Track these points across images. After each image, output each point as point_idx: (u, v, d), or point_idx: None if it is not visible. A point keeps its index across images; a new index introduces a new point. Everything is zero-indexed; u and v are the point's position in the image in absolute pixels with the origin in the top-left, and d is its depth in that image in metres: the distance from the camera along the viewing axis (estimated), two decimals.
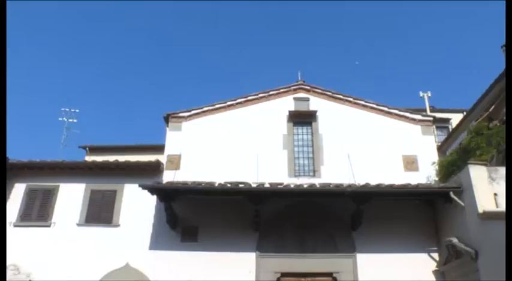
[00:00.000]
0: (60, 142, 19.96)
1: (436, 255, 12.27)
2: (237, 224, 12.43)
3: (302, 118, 14.76)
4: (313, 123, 14.64)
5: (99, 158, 14.69)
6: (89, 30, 53.31)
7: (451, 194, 11.21)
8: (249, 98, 15.01)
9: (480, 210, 10.31)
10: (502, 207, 9.89)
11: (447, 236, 11.49)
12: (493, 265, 9.72)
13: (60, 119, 20.69)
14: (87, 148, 20.32)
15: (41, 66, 52.55)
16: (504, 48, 12.84)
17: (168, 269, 12.06)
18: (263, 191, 11.62)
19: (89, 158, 18.34)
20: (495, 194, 10.47)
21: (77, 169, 13.48)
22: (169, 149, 14.01)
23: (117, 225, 12.83)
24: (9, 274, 11.84)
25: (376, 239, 12.26)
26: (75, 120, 20.82)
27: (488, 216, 10.03)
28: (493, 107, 13.67)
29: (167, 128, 14.62)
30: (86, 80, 54.00)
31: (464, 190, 11.02)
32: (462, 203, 11.03)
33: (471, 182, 10.71)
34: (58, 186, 13.40)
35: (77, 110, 21.13)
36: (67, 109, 21.02)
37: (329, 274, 12.19)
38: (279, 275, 12.13)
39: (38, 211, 13.08)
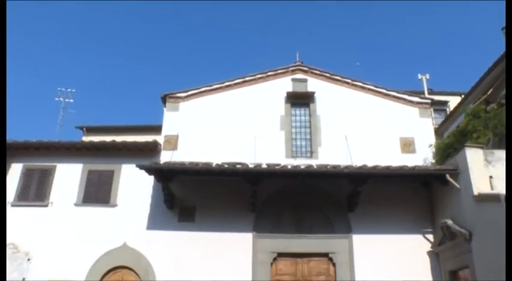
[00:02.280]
0: (56, 122, 19.92)
1: (430, 236, 12.42)
2: (234, 204, 12.51)
3: (300, 99, 14.72)
4: (311, 105, 14.61)
5: (96, 139, 14.67)
6: (85, 8, 52.67)
7: (447, 177, 11.28)
8: (247, 78, 14.93)
9: (475, 192, 10.41)
10: (497, 189, 9.99)
11: (442, 218, 11.62)
12: (486, 246, 9.87)
13: (56, 99, 20.58)
14: (84, 128, 20.26)
15: (36, 45, 52.05)
16: (504, 30, 12.77)
17: (165, 249, 12.19)
18: (260, 172, 11.65)
19: (86, 139, 18.29)
20: (490, 177, 10.56)
21: (73, 149, 13.46)
22: (166, 130, 13.99)
23: (115, 205, 12.89)
24: (9, 252, 11.95)
25: (372, 220, 12.39)
26: (71, 101, 20.72)
27: (483, 198, 10.13)
28: (490, 90, 13.66)
29: (164, 109, 14.56)
30: (82, 60, 53.61)
31: (461, 172, 11.10)
32: (458, 186, 11.11)
33: (467, 164, 10.77)
34: (55, 166, 13.41)
35: (74, 90, 21.00)
36: (63, 89, 20.91)
37: (325, 255, 12.34)
38: (275, 255, 12.27)
39: (35, 190, 13.11)
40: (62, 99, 20.47)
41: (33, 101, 51.14)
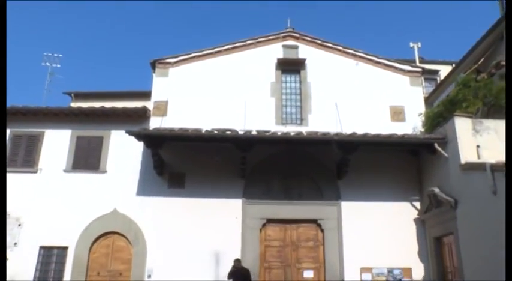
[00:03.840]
0: (43, 88, 19.64)
1: (418, 204, 12.66)
2: (224, 171, 12.58)
3: (290, 66, 14.60)
4: (302, 72, 14.50)
5: (85, 105, 14.54)
6: None
7: (436, 145, 11.39)
8: (237, 44, 14.72)
9: (462, 161, 10.55)
10: (484, 158, 10.12)
11: (430, 186, 11.81)
12: (470, 214, 10.10)
13: (43, 64, 20.23)
14: (72, 94, 19.97)
15: (20, 8, 50.58)
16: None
17: (155, 215, 12.30)
18: (250, 138, 11.65)
19: (74, 105, 18.09)
20: (478, 146, 10.67)
21: (61, 115, 13.30)
22: (156, 96, 13.85)
23: (104, 171, 12.87)
24: None
25: (360, 187, 12.56)
26: (58, 66, 20.41)
27: (470, 167, 10.27)
28: (482, 59, 13.65)
29: (154, 75, 14.36)
30: (69, 24, 52.37)
31: (449, 141, 11.20)
32: (446, 154, 11.24)
33: (456, 134, 10.87)
34: (43, 132, 13.28)
35: (60, 55, 20.67)
36: (50, 54, 20.52)
37: (314, 221, 12.56)
38: (264, 221, 12.46)
39: (24, 157, 13.02)
40: (48, 65, 20.17)
41: (18, 66, 50.16)
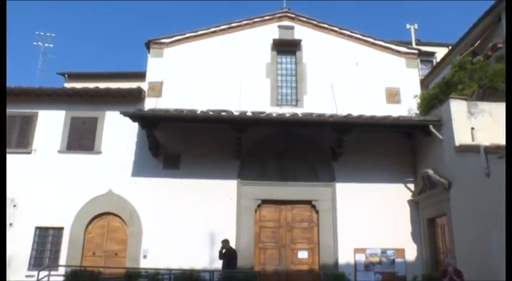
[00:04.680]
0: (36, 68, 19.41)
1: (411, 186, 12.75)
2: (219, 152, 12.59)
3: (286, 47, 14.49)
4: (297, 53, 14.40)
5: (79, 85, 14.41)
6: None
7: (431, 127, 11.43)
8: (233, 25, 14.56)
9: (457, 143, 10.60)
10: (478, 141, 10.17)
11: (424, 168, 11.88)
12: (463, 195, 10.20)
13: (35, 43, 19.93)
14: (66, 75, 19.74)
15: None
16: None
17: (150, 196, 12.33)
18: (245, 119, 11.62)
19: (68, 85, 17.90)
20: (472, 128, 10.71)
21: (55, 95, 13.18)
22: (150, 76, 13.75)
23: (99, 152, 12.85)
24: None
25: (355, 169, 12.61)
26: (51, 45, 20.12)
27: (464, 149, 10.33)
28: (478, 41, 13.62)
29: (149, 55, 14.22)
30: (61, 2, 51.50)
31: (444, 123, 11.23)
32: (441, 136, 11.28)
33: (451, 116, 10.90)
34: (37, 113, 13.19)
35: (53, 35, 20.35)
36: (42, 33, 20.22)
37: (308, 202, 12.65)
38: (259, 202, 12.54)
39: (18, 137, 12.95)
40: (40, 44, 19.86)
41: (10, 46, 49.39)
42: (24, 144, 12.90)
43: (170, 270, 10.21)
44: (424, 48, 18.45)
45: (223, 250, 10.80)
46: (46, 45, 19.90)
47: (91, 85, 13.76)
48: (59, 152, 12.84)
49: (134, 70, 18.30)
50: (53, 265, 11.53)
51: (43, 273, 10.38)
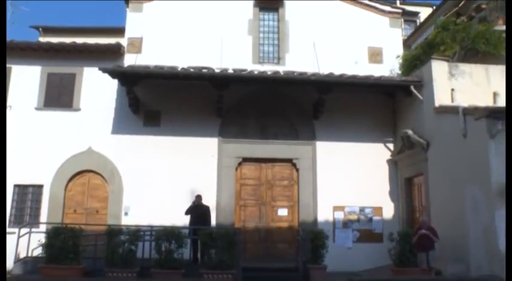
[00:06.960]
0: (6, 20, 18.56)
1: (391, 146, 12.96)
2: (200, 109, 12.51)
3: (269, 4, 14.16)
4: (280, 10, 14.11)
5: (54, 40, 13.85)
6: None
7: (412, 88, 11.50)
8: None
9: (436, 104, 10.73)
10: (457, 102, 10.30)
11: (404, 128, 12.04)
12: (440, 155, 10.44)
13: None
14: (40, 29, 18.95)
15: None
16: None
17: (130, 153, 12.27)
18: (226, 76, 11.51)
19: (43, 40, 17.24)
20: (452, 90, 10.82)
21: (29, 50, 12.71)
22: (130, 32, 13.37)
23: (78, 109, 12.62)
24: None
25: (336, 128, 12.73)
26: None
27: (443, 110, 10.47)
28: (462, 2, 13.52)
29: (127, 9, 13.76)
30: None
31: (425, 84, 11.31)
32: (421, 97, 11.38)
33: (432, 77, 10.97)
34: (10, 68, 12.61)
35: None
36: None
37: (289, 160, 12.79)
38: (240, 160, 12.63)
39: None
40: None
41: None
42: None
43: (151, 227, 10.30)
44: (408, 8, 18.29)
45: (194, 204, 10.68)
46: None
47: (67, 40, 13.29)
48: (36, 109, 12.57)
49: (113, 25, 17.70)
50: (34, 222, 11.52)
51: (24, 230, 10.39)
